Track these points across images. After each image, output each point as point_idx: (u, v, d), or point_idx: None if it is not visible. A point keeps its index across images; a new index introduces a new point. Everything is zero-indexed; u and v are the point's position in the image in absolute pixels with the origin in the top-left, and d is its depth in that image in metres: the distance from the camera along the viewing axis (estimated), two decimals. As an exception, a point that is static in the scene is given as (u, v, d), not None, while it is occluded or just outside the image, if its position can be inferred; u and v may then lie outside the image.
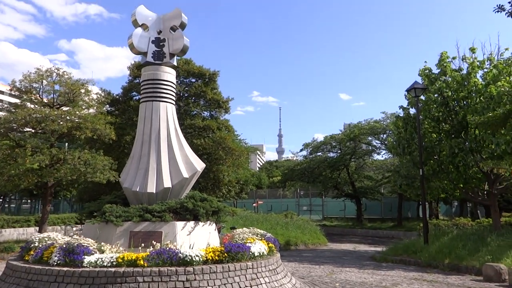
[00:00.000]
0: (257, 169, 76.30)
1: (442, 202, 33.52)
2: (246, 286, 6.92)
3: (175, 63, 9.74)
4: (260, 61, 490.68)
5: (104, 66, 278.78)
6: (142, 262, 6.57)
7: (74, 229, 8.63)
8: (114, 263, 6.56)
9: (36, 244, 7.63)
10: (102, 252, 6.94)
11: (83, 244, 6.88)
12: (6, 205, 32.60)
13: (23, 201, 40.24)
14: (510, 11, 5.41)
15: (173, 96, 9.59)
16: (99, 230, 7.72)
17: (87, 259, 6.59)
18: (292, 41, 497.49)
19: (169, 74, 9.41)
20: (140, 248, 7.20)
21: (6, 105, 20.37)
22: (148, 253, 6.80)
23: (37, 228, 21.87)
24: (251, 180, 37.63)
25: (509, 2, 5.23)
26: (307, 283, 9.06)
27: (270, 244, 8.62)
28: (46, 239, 7.74)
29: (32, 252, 7.43)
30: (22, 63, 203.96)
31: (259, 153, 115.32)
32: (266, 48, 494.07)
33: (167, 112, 9.20)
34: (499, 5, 5.46)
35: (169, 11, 9.79)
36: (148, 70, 9.37)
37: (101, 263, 6.54)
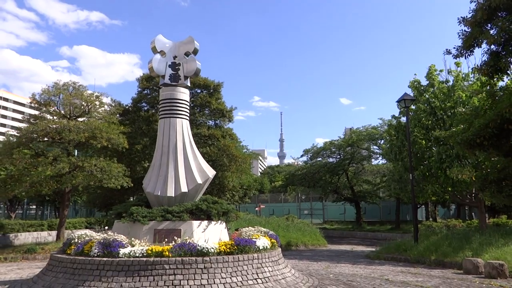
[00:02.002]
0: (259, 174, 77.50)
1: (440, 205, 34.83)
2: (253, 274, 8.32)
3: (188, 84, 11.18)
4: (260, 66, 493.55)
5: (105, 72, 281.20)
6: (167, 253, 7.99)
7: (106, 228, 10.00)
8: (144, 254, 7.97)
9: (76, 240, 9.05)
10: (133, 245, 8.34)
11: (117, 239, 8.29)
12: (11, 212, 33.70)
13: (30, 207, 41.63)
14: (455, 54, 6.77)
15: (187, 112, 11.02)
16: (128, 228, 9.15)
17: (122, 251, 8.01)
18: (293, 46, 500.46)
19: (184, 94, 10.87)
20: (163, 242, 8.63)
21: (25, 117, 21.75)
22: (171, 246, 8.21)
23: (50, 232, 23.28)
24: (254, 185, 39.00)
25: (454, 48, 6.58)
26: (305, 274, 10.44)
27: (273, 240, 10.02)
28: (84, 236, 9.16)
29: (73, 247, 8.83)
30: (24, 70, 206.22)
31: (260, 158, 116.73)
32: (266, 53, 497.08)
33: (183, 127, 10.65)
34: (447, 49, 6.80)
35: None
36: (165, 91, 10.82)
37: (134, 254, 7.95)
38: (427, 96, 18.02)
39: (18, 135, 18.86)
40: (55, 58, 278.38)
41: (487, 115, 6.59)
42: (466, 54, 6.66)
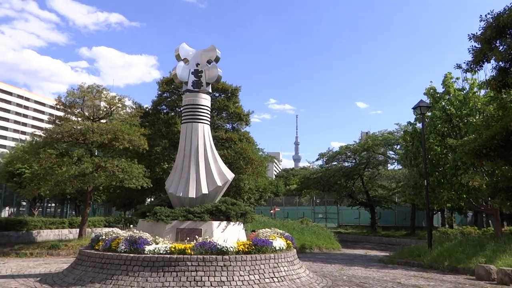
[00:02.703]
0: (274, 176, 77.85)
1: (457, 212, 34.66)
2: (269, 272, 8.76)
3: (210, 90, 11.70)
4: (277, 69, 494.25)
5: (123, 73, 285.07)
6: (189, 251, 8.49)
7: (131, 226, 10.61)
8: (168, 251, 8.49)
9: (104, 237, 9.62)
10: (157, 243, 8.87)
11: (142, 236, 8.83)
12: (33, 209, 34.71)
13: (49, 205, 42.87)
14: (465, 68, 7.10)
15: (209, 117, 11.54)
16: (152, 227, 9.70)
17: (147, 248, 8.54)
18: (309, 49, 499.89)
19: (205, 100, 11.40)
20: (185, 241, 9.13)
21: (51, 118, 22.60)
22: (193, 244, 8.70)
23: (70, 230, 24.06)
24: (270, 188, 39.40)
25: (465, 62, 6.93)
26: (319, 275, 10.82)
27: (288, 242, 10.45)
28: (111, 233, 9.73)
29: (101, 243, 9.41)
30: (44, 70, 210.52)
31: (276, 161, 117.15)
32: (283, 55, 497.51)
33: (204, 131, 11.17)
34: (458, 64, 7.13)
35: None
36: (188, 96, 11.36)
37: (158, 251, 8.47)
38: (443, 103, 18.21)
39: (44, 135, 19.64)
40: (74, 58, 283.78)
41: (494, 127, 6.88)
42: (476, 69, 6.99)
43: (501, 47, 6.22)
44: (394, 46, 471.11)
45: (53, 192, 19.99)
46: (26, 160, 19.22)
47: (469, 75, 18.06)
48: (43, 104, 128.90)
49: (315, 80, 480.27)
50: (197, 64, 11.54)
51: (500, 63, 6.27)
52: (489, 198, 10.76)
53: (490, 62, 6.64)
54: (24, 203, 40.37)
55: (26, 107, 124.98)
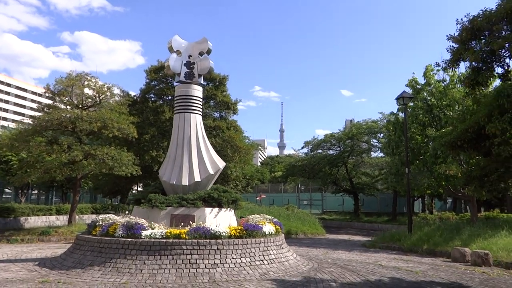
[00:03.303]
0: (259, 164, 78.51)
1: (437, 198, 35.82)
2: (259, 255, 9.31)
3: (202, 82, 12.06)
4: (262, 56, 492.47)
5: (107, 59, 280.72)
6: (184, 236, 8.96)
7: (127, 212, 11.02)
8: (164, 236, 8.95)
9: (101, 223, 10.02)
10: (153, 228, 9.32)
11: (139, 222, 9.26)
12: (20, 196, 34.58)
13: (32, 192, 42.65)
14: (443, 66, 7.65)
15: (201, 108, 11.92)
16: (148, 213, 10.13)
17: (144, 233, 8.98)
18: (294, 36, 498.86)
19: (197, 91, 11.77)
20: (180, 226, 9.60)
21: (40, 106, 22.61)
22: (188, 229, 9.18)
23: (58, 217, 24.27)
24: (256, 175, 39.98)
25: (443, 61, 7.48)
26: (305, 258, 11.44)
27: (277, 227, 11.01)
28: (108, 219, 10.13)
29: (98, 229, 9.81)
30: (25, 54, 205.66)
31: (261, 148, 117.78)
32: (267, 43, 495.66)
33: (196, 121, 11.57)
34: (437, 62, 7.69)
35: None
36: (181, 88, 11.71)
37: (154, 236, 8.93)
38: (424, 94, 18.90)
39: (33, 123, 19.70)
40: (56, 43, 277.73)
41: (468, 121, 7.48)
42: (453, 67, 7.56)
43: (476, 48, 6.77)
44: (380, 35, 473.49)
45: (43, 179, 20.14)
46: (15, 147, 19.27)
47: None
48: (25, 90, 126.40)
49: (301, 68, 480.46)
50: (189, 56, 11.87)
51: (474, 63, 6.83)
52: (464, 186, 11.46)
53: (465, 61, 7.21)
54: (8, 190, 40.11)
55: (8, 93, 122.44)
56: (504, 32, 6.26)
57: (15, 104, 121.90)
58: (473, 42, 6.79)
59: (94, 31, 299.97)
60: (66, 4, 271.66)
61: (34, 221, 23.03)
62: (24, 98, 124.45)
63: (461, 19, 6.89)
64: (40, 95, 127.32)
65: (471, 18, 6.75)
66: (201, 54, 11.98)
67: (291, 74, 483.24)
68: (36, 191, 42.14)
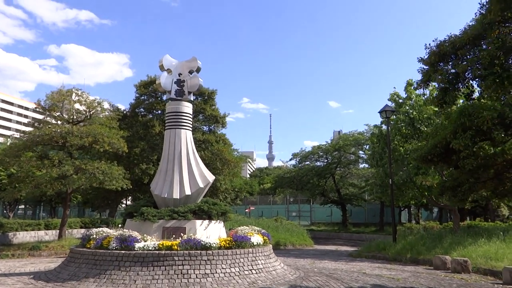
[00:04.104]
0: (248, 176, 78.74)
1: (423, 208, 36.52)
2: (248, 265, 9.74)
3: (192, 99, 12.57)
4: (249, 68, 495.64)
5: (94, 72, 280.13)
6: (176, 247, 9.37)
7: (120, 225, 11.35)
8: (156, 248, 9.34)
9: (94, 236, 10.36)
10: (145, 241, 9.69)
11: (132, 235, 9.64)
12: (5, 211, 34.33)
13: (19, 207, 42.35)
14: (415, 86, 8.30)
15: (191, 124, 12.41)
16: (140, 226, 10.50)
17: (137, 245, 9.36)
18: (281, 48, 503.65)
19: (187, 108, 12.27)
20: (171, 238, 9.99)
21: (31, 121, 22.84)
22: (179, 241, 9.58)
23: (47, 232, 24.35)
24: (245, 187, 40.35)
25: (415, 82, 8.13)
26: (292, 268, 11.88)
27: (265, 238, 11.47)
28: (101, 232, 10.47)
29: (92, 242, 10.15)
30: (11, 67, 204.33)
31: (249, 160, 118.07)
32: (255, 55, 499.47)
33: (187, 137, 12.05)
34: (408, 81, 8.28)
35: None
36: (171, 105, 12.20)
37: (147, 248, 9.31)
38: (406, 107, 19.63)
39: (24, 138, 19.93)
40: (42, 56, 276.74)
41: (437, 137, 8.11)
42: (424, 87, 8.22)
43: (445, 68, 7.41)
44: (366, 48, 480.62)
45: (33, 194, 20.28)
46: (6, 163, 19.44)
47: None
48: (11, 104, 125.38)
49: (288, 80, 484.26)
50: (180, 74, 12.39)
51: (441, 84, 7.46)
52: (439, 196, 12.07)
53: (434, 82, 7.84)
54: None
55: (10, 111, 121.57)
56: (468, 56, 6.93)
57: (1, 118, 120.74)
58: (441, 64, 7.44)
59: (81, 44, 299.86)
60: (53, 17, 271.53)
61: (23, 236, 23.02)
62: (11, 112, 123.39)
63: (429, 44, 7.57)
64: (26, 108, 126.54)
65: (438, 43, 7.42)
66: (190, 72, 12.50)
67: (279, 86, 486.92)
68: (22, 206, 41.97)
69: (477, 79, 6.64)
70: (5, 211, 32.59)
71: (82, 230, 26.73)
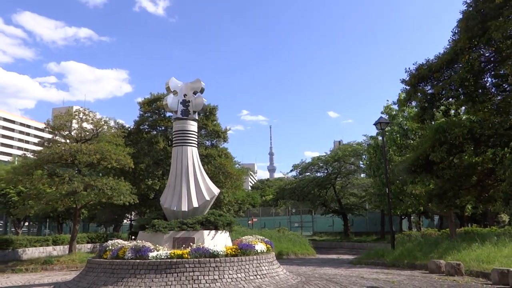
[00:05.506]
0: (250, 188, 79.33)
1: (424, 216, 37.08)
2: (253, 271, 10.54)
3: (196, 117, 13.48)
4: (248, 80, 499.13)
5: (94, 88, 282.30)
6: (186, 256, 10.18)
7: (133, 237, 12.17)
8: (169, 256, 10.14)
9: (110, 247, 11.17)
10: (158, 250, 10.51)
11: (145, 245, 10.45)
12: (13, 228, 35.01)
13: (25, 224, 43.03)
14: (398, 105, 9.18)
15: (196, 141, 13.30)
16: (152, 237, 11.33)
17: (151, 254, 10.17)
18: (280, 60, 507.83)
19: (193, 126, 13.19)
20: (182, 247, 10.81)
21: (41, 140, 23.77)
22: (189, 250, 10.40)
23: (55, 247, 25.15)
24: (247, 199, 41.07)
25: (397, 100, 9.04)
26: (294, 274, 12.65)
27: (268, 246, 12.28)
28: (117, 243, 11.29)
29: (108, 253, 10.96)
30: (11, 86, 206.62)
31: (251, 172, 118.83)
32: (254, 67, 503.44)
33: (193, 153, 12.94)
34: (393, 101, 9.23)
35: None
36: (178, 123, 13.11)
37: (160, 256, 10.12)
38: (400, 119, 20.54)
39: (35, 157, 20.82)
40: (42, 74, 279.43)
41: (418, 150, 8.98)
42: (406, 106, 9.13)
43: (425, 88, 8.31)
44: (363, 57, 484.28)
45: (44, 210, 21.07)
46: (19, 181, 20.28)
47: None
48: (13, 122, 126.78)
49: (287, 91, 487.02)
50: (185, 95, 13.32)
51: (420, 103, 8.36)
52: (427, 203, 12.88)
53: (415, 102, 8.75)
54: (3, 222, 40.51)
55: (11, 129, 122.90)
56: (443, 78, 7.82)
57: (3, 136, 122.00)
58: (421, 84, 8.34)
59: (81, 61, 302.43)
60: (52, 35, 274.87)
61: (32, 252, 23.82)
62: (12, 130, 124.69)
63: (409, 68, 8.52)
64: (28, 126, 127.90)
65: (417, 66, 8.36)
66: (195, 93, 13.44)
67: (278, 98, 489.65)
68: (27, 223, 42.66)
69: (451, 99, 7.51)
70: (13, 228, 33.29)
71: (89, 245, 27.50)
